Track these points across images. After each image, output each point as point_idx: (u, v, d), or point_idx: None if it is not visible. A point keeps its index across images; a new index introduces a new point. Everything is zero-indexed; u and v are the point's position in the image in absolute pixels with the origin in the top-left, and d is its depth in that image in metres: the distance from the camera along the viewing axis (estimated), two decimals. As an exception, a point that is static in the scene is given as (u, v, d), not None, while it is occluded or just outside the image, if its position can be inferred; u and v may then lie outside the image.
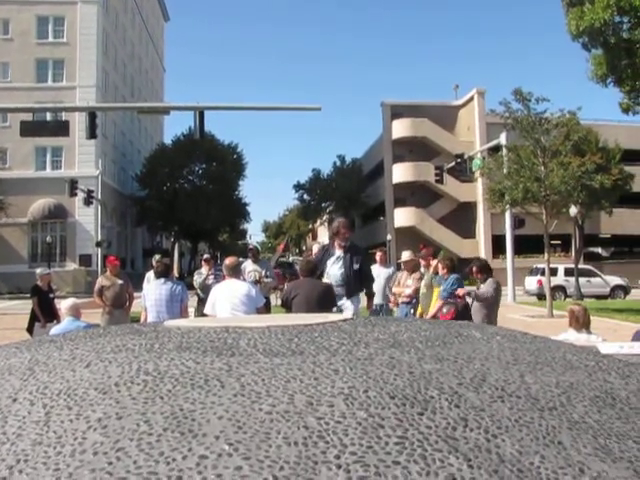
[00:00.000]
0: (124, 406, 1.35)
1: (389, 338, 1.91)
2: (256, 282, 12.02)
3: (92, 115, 22.72)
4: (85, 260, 48.18)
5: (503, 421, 1.30)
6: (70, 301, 8.12)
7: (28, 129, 23.99)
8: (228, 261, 8.15)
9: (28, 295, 13.39)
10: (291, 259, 69.74)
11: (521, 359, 1.73)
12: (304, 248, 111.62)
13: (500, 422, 1.30)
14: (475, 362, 1.65)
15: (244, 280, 11.53)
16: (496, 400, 1.40)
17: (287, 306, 7.71)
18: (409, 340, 1.89)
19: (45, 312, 11.91)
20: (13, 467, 1.18)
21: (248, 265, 12.67)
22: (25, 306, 19.85)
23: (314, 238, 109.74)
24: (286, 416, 1.28)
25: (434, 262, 10.54)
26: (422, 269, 11.11)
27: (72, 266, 48.63)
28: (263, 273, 12.64)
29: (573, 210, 28.20)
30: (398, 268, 13.50)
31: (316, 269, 8.33)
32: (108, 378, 1.53)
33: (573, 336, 7.18)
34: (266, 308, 8.81)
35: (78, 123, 36.67)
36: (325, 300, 7.58)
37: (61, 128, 25.11)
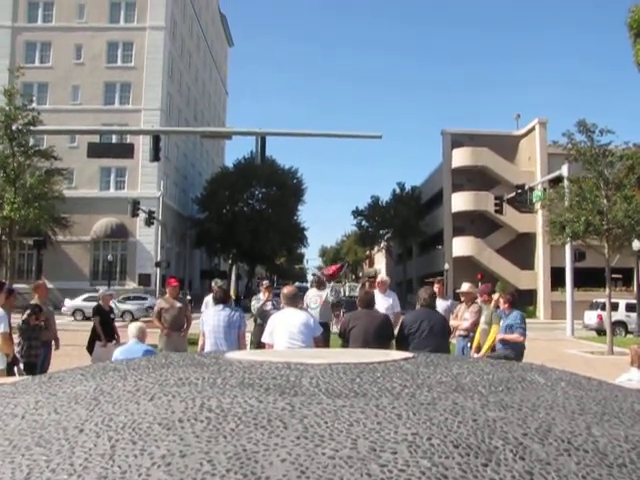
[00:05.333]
0: (188, 444, 1.35)
1: (452, 381, 1.89)
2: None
3: (156, 138, 23.11)
4: (144, 279, 48.95)
5: (570, 477, 1.26)
6: (138, 324, 8.28)
7: (95, 151, 24.52)
8: (286, 290, 8.06)
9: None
10: (347, 285, 69.53)
11: (587, 409, 1.69)
12: (360, 275, 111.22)
13: (567, 478, 1.26)
14: (540, 411, 1.61)
15: (305, 305, 11.60)
16: (562, 453, 1.35)
17: (345, 337, 7.66)
18: (472, 384, 1.86)
19: (106, 331, 12.09)
20: (80, 501, 1.19)
21: (311, 292, 12.74)
22: (86, 322, 20.18)
23: (371, 265, 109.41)
24: (349, 462, 1.25)
25: (495, 296, 10.38)
26: (479, 302, 10.97)
27: (131, 285, 49.44)
28: (326, 295, 12.56)
29: (636, 244, 27.59)
30: (455, 298, 13.38)
31: (374, 301, 8.29)
32: (172, 413, 1.53)
33: (636, 376, 7.00)
34: (324, 336, 8.72)
35: (142, 145, 37.43)
36: (383, 332, 7.52)
37: (126, 150, 25.63)
